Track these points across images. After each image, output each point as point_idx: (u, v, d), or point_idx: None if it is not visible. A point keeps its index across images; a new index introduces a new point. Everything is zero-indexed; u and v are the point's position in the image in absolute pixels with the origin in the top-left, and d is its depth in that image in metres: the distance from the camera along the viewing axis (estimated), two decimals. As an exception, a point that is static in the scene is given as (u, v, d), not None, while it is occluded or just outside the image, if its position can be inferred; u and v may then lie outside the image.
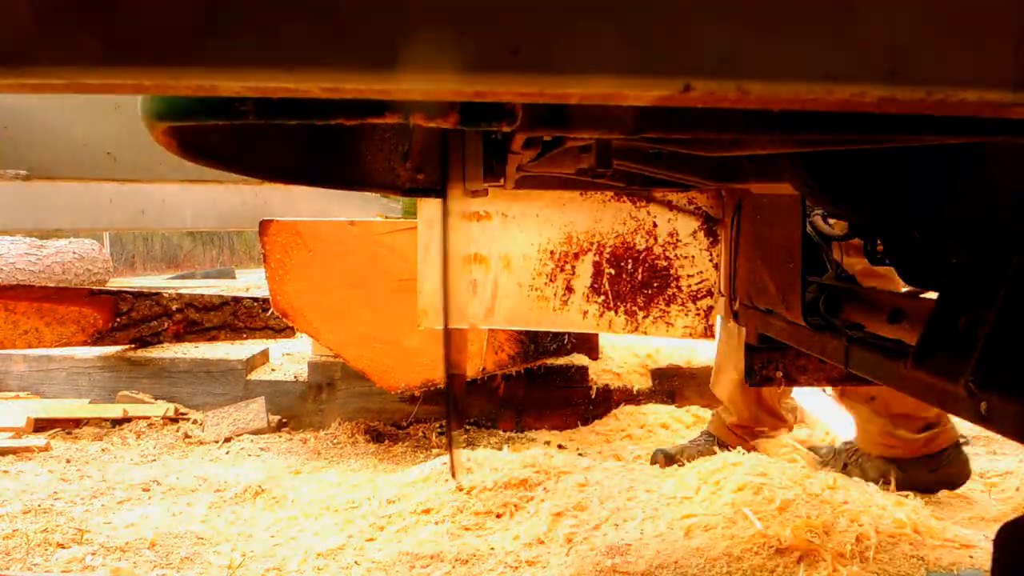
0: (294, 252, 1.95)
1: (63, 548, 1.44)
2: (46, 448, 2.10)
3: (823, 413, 2.48)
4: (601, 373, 2.50)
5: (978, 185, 0.78)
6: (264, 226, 1.95)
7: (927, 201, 0.82)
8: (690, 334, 1.56)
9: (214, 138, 0.71)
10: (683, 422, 2.31)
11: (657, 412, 2.37)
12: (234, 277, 7.67)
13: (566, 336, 2.28)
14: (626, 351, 2.69)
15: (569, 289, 1.57)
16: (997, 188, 0.75)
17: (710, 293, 1.55)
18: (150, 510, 1.67)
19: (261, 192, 3.64)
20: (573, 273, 1.56)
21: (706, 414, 2.41)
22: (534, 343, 2.18)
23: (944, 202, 0.81)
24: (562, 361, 2.37)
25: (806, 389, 2.73)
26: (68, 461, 2.03)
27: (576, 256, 1.56)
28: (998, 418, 0.69)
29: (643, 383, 2.52)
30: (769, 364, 1.31)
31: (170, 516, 1.64)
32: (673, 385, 2.52)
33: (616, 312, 1.57)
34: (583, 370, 2.41)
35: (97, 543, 1.46)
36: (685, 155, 0.91)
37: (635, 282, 1.55)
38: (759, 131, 0.66)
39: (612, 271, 1.55)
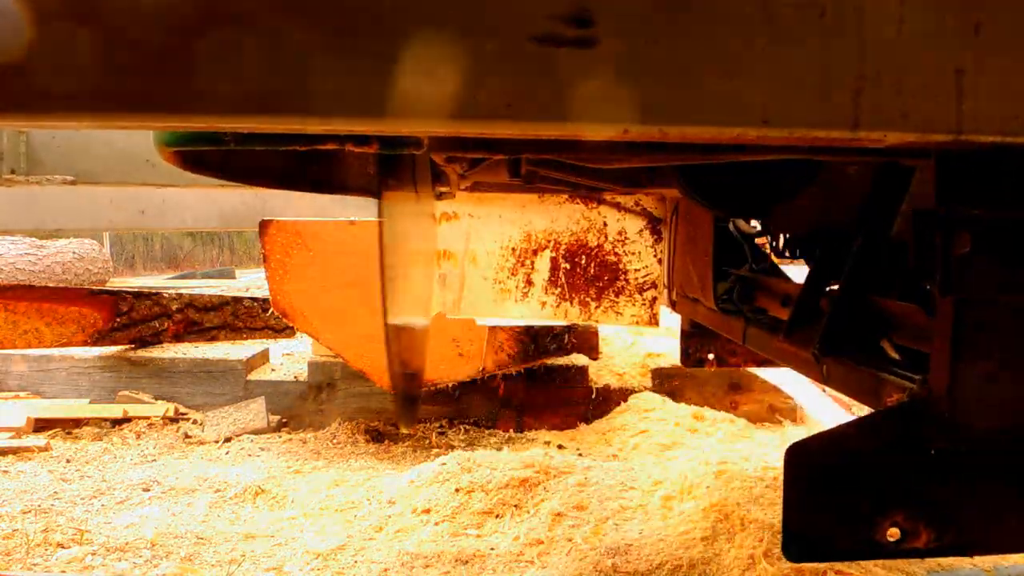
0: (294, 252, 1.95)
1: (63, 548, 1.44)
2: (46, 448, 2.10)
3: (823, 414, 2.48)
4: (601, 373, 2.50)
5: (819, 194, 1.00)
6: (264, 226, 1.94)
7: (781, 203, 1.02)
8: (636, 322, 1.74)
9: (209, 156, 0.88)
10: (690, 426, 2.31)
11: (657, 411, 2.37)
12: (234, 277, 7.66)
13: (566, 336, 2.28)
14: (626, 351, 2.68)
15: (529, 282, 1.73)
16: (836, 195, 1.00)
17: (654, 285, 1.72)
18: (150, 510, 1.67)
19: (261, 192, 3.64)
20: (532, 268, 1.73)
21: (706, 413, 2.41)
22: (534, 343, 2.18)
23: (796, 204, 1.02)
24: (562, 361, 2.37)
25: (806, 389, 2.73)
26: (68, 461, 2.03)
27: (535, 252, 1.73)
28: (833, 378, 0.90)
29: (643, 383, 2.52)
30: (701, 348, 1.55)
31: (170, 516, 1.64)
32: (673, 385, 2.52)
33: (571, 303, 1.73)
34: (583, 370, 2.41)
35: (97, 543, 1.46)
36: (592, 168, 1.05)
37: (588, 275, 1.73)
38: (646, 153, 0.82)
39: (567, 266, 1.72)
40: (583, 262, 1.72)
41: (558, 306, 1.72)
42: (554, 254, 1.72)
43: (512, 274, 1.72)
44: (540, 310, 1.72)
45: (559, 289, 1.72)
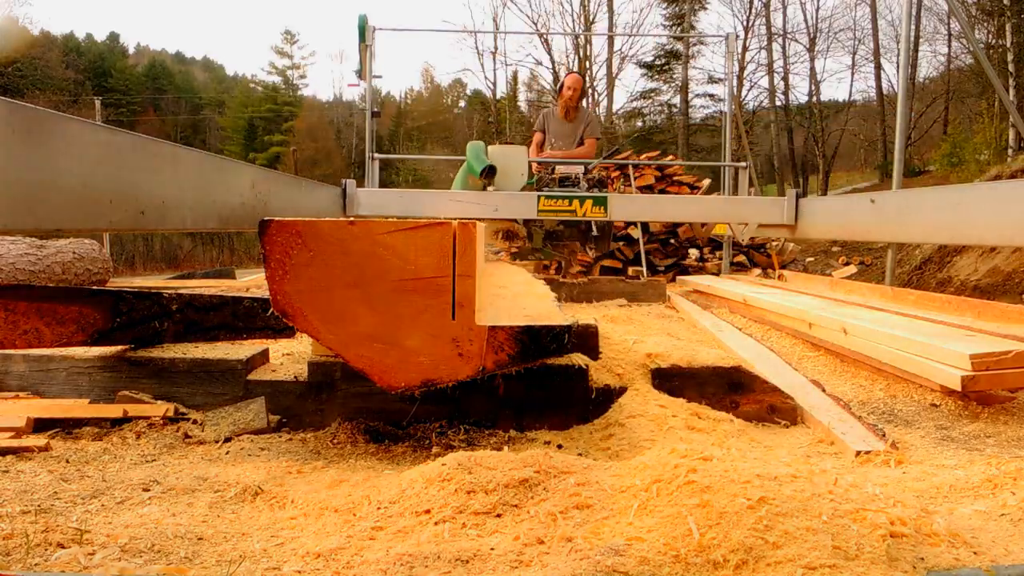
0: (294, 252, 1.95)
1: (63, 548, 1.43)
2: (46, 448, 2.10)
3: (823, 414, 2.48)
4: (601, 373, 2.50)
5: None
6: (264, 226, 1.94)
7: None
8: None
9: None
10: (689, 425, 2.30)
11: (656, 410, 2.37)
12: (234, 277, 7.66)
13: (566, 336, 2.27)
14: (626, 351, 2.69)
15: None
16: None
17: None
18: (150, 510, 1.67)
19: (261, 192, 3.64)
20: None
21: (709, 412, 2.41)
22: (534, 343, 2.18)
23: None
24: (562, 361, 2.37)
25: (806, 389, 2.73)
26: (68, 461, 2.03)
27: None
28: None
29: (643, 383, 2.52)
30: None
31: (170, 516, 1.64)
32: (673, 385, 2.52)
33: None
34: (583, 370, 2.41)
35: (97, 543, 1.46)
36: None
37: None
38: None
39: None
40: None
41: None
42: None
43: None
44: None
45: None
